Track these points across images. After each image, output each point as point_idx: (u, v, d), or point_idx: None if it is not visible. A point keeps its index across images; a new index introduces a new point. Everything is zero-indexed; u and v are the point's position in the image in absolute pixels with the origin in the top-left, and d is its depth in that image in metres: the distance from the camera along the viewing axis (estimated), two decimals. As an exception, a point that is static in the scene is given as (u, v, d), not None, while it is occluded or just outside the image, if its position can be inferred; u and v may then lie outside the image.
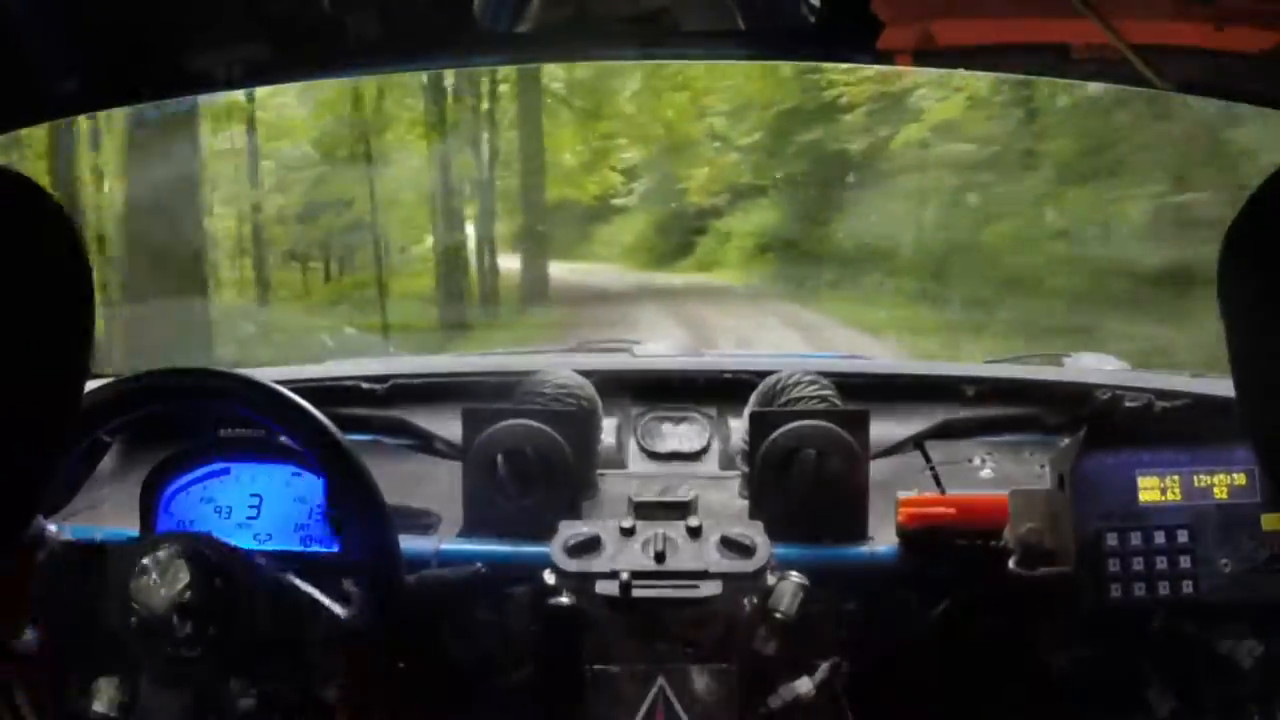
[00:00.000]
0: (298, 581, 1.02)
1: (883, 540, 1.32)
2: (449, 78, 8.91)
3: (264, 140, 8.70)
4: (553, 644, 1.20)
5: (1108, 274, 6.25)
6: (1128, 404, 1.52)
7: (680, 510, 1.29)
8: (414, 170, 9.87)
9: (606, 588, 1.18)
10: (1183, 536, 1.17)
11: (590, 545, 1.23)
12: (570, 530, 1.25)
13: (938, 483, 1.49)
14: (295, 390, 1.02)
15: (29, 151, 4.73)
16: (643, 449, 1.62)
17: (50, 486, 0.63)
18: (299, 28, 1.12)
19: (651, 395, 1.66)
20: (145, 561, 0.98)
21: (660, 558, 1.20)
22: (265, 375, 1.05)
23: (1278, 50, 1.01)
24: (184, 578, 0.97)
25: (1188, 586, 1.16)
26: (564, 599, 1.18)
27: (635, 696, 1.19)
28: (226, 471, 1.28)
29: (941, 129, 8.06)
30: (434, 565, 1.25)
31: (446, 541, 1.34)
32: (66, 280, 0.61)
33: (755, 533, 1.24)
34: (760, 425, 1.39)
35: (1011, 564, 1.20)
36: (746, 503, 1.41)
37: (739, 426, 1.54)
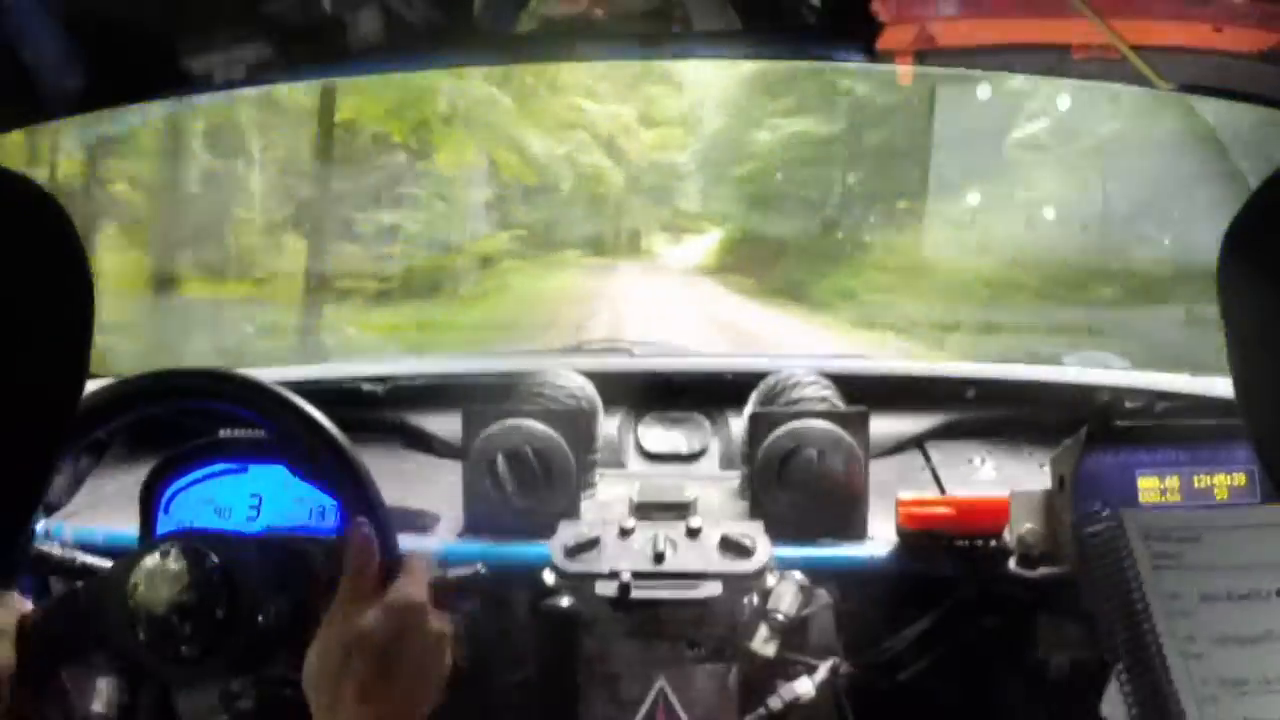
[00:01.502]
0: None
1: (883, 540, 1.32)
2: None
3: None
4: (552, 644, 1.20)
5: None
6: (1128, 404, 1.52)
7: (680, 511, 1.29)
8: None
9: (606, 588, 1.18)
10: (1183, 537, 1.17)
11: (590, 546, 1.23)
12: (570, 531, 1.25)
13: (938, 483, 1.49)
14: (295, 391, 1.02)
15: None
16: (642, 449, 1.62)
17: (50, 486, 0.63)
18: (299, 28, 1.12)
19: (651, 396, 1.66)
20: (145, 562, 0.98)
21: (660, 558, 1.20)
22: (265, 375, 1.05)
23: (1278, 50, 1.01)
24: (184, 578, 0.97)
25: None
26: (563, 599, 1.18)
27: (635, 697, 1.19)
28: (226, 472, 1.28)
29: None
30: (433, 566, 1.24)
31: (446, 542, 1.34)
32: (66, 280, 0.61)
33: (755, 533, 1.24)
34: (760, 425, 1.39)
35: (1011, 564, 1.20)
36: (746, 503, 1.41)
37: (739, 427, 1.54)
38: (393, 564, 0.93)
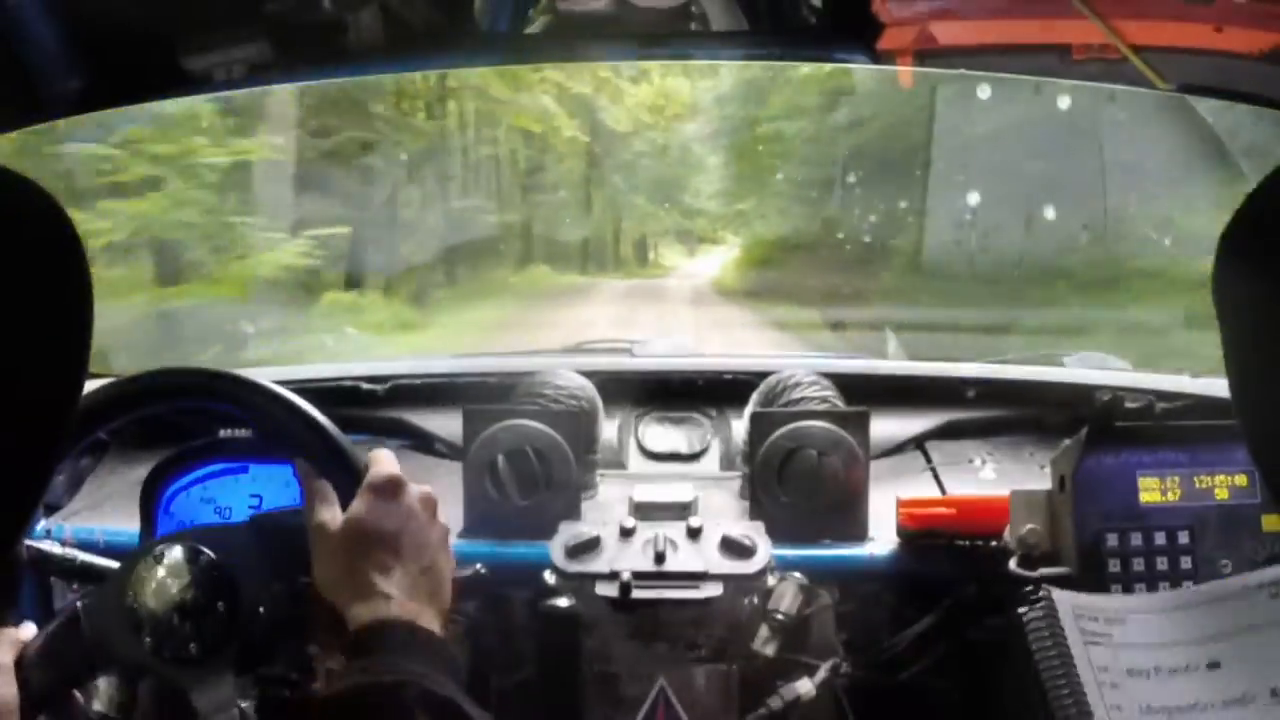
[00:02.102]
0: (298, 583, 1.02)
1: (883, 540, 1.32)
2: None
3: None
4: (553, 645, 1.20)
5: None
6: (1128, 404, 1.52)
7: (680, 511, 1.29)
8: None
9: (606, 589, 1.18)
10: (1183, 537, 1.17)
11: (590, 546, 1.23)
12: (570, 531, 1.25)
13: (938, 483, 1.49)
14: (295, 391, 1.02)
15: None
16: (643, 449, 1.62)
17: (50, 486, 0.63)
18: (299, 28, 1.12)
19: (652, 396, 1.66)
20: (144, 564, 0.98)
21: (660, 559, 1.20)
22: (265, 375, 1.05)
23: (1278, 50, 1.01)
24: (184, 578, 0.97)
25: (1188, 587, 1.16)
26: (564, 600, 1.18)
27: (635, 697, 1.19)
28: (226, 471, 1.28)
29: None
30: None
31: None
32: (65, 280, 0.61)
33: (755, 533, 1.24)
34: (760, 425, 1.39)
35: (1012, 564, 1.20)
36: (747, 503, 1.40)
37: (739, 427, 1.54)
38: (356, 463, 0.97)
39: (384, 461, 0.96)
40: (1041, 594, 1.07)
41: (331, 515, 0.92)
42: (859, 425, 1.36)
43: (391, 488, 0.92)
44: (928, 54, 1.17)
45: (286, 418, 0.99)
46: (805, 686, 1.21)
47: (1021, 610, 1.07)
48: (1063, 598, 1.06)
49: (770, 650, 1.19)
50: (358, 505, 0.92)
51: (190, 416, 1.35)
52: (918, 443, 1.59)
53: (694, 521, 1.25)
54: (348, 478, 0.96)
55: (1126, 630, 1.05)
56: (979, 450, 1.55)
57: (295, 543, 0.96)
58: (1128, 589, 1.16)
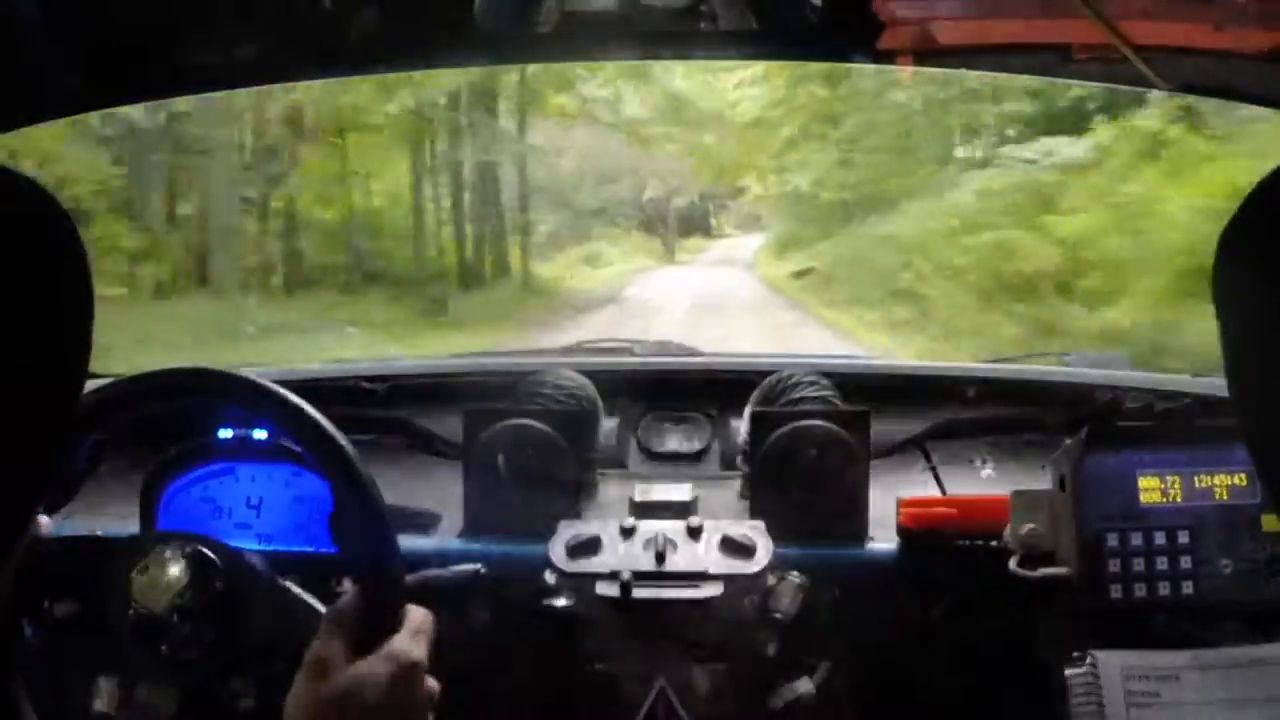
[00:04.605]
0: (296, 590, 1.03)
1: (883, 540, 1.32)
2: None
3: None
4: (553, 644, 1.20)
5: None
6: (1129, 404, 1.52)
7: (681, 510, 1.29)
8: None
9: (607, 588, 1.18)
10: (1183, 537, 1.17)
11: (590, 546, 1.23)
12: (570, 531, 1.25)
13: (939, 483, 1.49)
14: (295, 390, 1.01)
15: None
16: (643, 449, 1.62)
17: (50, 486, 0.63)
18: (299, 28, 1.12)
19: (652, 395, 1.66)
20: (147, 560, 0.98)
21: (660, 558, 1.20)
22: (266, 375, 1.05)
23: (1278, 50, 1.01)
24: (184, 579, 0.97)
25: (1188, 587, 1.16)
26: (564, 600, 1.18)
27: (635, 697, 1.19)
28: (226, 472, 1.28)
29: None
30: (433, 565, 1.25)
31: (446, 542, 1.34)
32: (65, 279, 0.61)
33: (756, 533, 1.24)
34: (760, 425, 1.39)
35: (1012, 564, 1.20)
36: (747, 503, 1.40)
37: (739, 426, 1.54)
38: (395, 616, 0.92)
39: (420, 631, 0.90)
40: (1088, 657, 1.07)
41: (341, 654, 0.86)
42: (859, 425, 1.36)
43: (412, 671, 0.86)
44: (927, 53, 1.17)
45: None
46: (805, 686, 1.21)
47: (1068, 673, 1.08)
48: (1110, 658, 1.06)
49: (770, 650, 1.19)
50: (371, 666, 0.85)
51: (192, 416, 1.35)
52: (918, 443, 1.59)
53: (694, 521, 1.25)
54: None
55: (1177, 689, 1.04)
56: (979, 450, 1.55)
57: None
58: (1127, 589, 1.16)
